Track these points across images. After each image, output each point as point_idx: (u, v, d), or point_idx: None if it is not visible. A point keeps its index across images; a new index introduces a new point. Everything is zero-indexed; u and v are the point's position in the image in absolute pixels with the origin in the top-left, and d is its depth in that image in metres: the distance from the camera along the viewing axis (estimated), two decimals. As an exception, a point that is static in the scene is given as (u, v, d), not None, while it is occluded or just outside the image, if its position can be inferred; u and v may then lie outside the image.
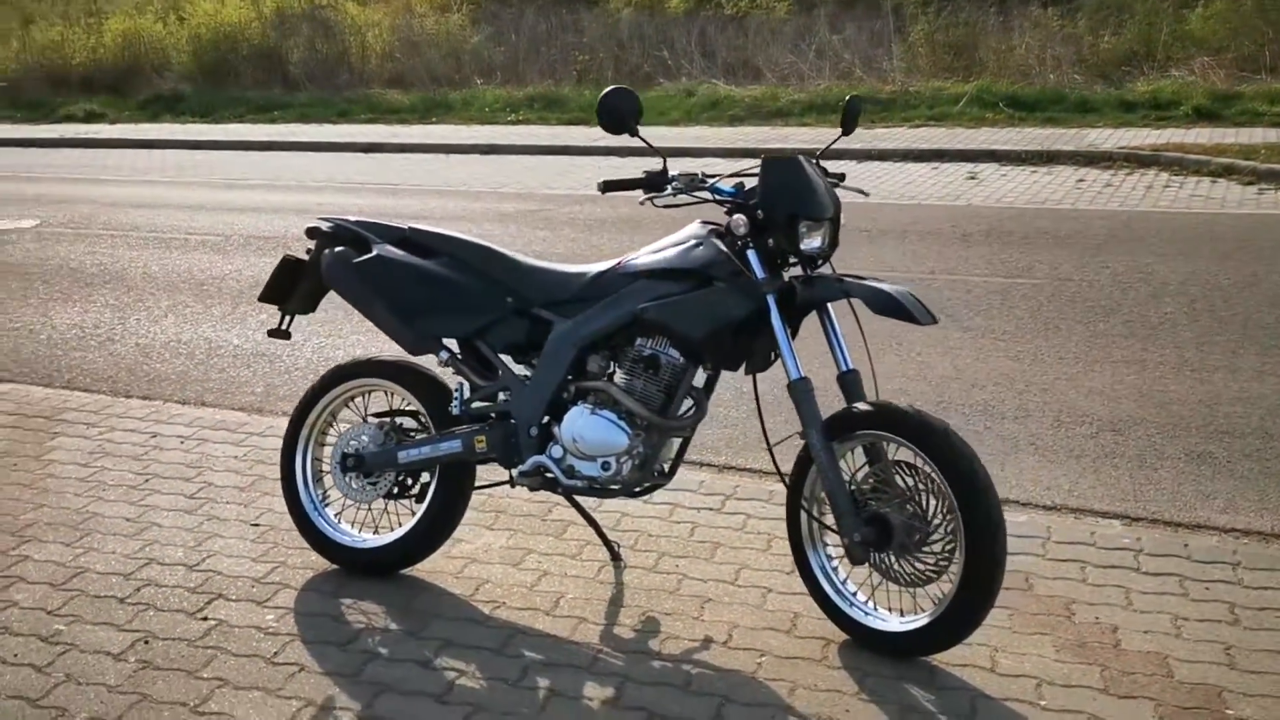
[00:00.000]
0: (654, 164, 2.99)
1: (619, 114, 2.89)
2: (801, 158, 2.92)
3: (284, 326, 3.44)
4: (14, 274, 7.83)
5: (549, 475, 3.08)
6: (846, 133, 3.19)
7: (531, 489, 3.17)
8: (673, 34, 18.08)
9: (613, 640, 2.98)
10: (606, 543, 3.40)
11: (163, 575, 3.31)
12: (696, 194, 2.99)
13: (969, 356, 5.40)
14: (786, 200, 2.85)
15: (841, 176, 3.16)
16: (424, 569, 3.35)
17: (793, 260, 2.93)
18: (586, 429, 3.00)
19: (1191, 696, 2.67)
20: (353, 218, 3.32)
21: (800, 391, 2.84)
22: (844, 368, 2.91)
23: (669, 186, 2.97)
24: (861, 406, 2.84)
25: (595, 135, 12.91)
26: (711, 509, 3.74)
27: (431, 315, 3.16)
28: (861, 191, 3.27)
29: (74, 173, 13.20)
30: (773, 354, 2.98)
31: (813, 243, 2.86)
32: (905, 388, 4.89)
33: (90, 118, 18.42)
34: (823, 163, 3.07)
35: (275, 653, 2.91)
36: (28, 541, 3.53)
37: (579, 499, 3.33)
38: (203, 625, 3.03)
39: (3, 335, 6.24)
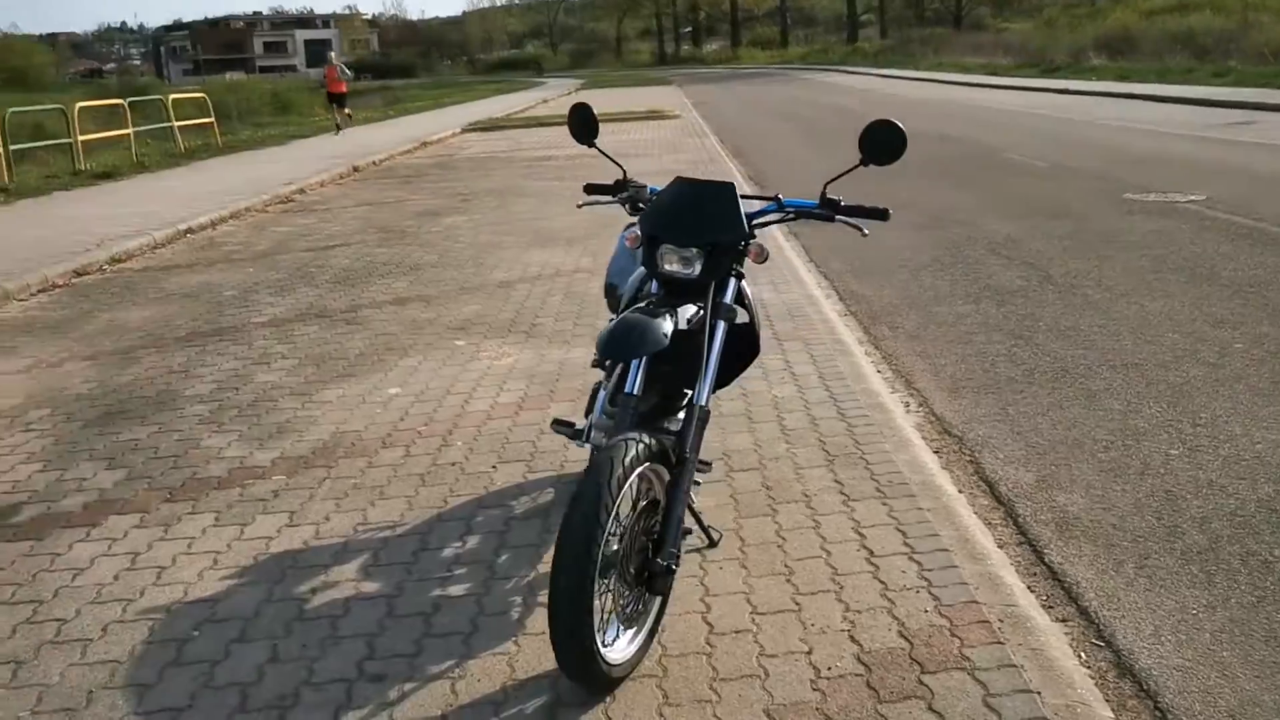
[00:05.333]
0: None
1: (582, 127, 3.30)
2: (705, 181, 2.99)
3: None
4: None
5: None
6: (868, 163, 2.95)
7: (569, 437, 3.47)
8: None
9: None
10: (704, 529, 3.53)
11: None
12: (642, 204, 3.25)
13: None
14: (651, 221, 3.00)
15: (885, 214, 3.02)
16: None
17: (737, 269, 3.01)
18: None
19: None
20: None
21: (620, 405, 2.90)
22: (694, 399, 2.87)
23: (622, 194, 3.30)
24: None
25: None
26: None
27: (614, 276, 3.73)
28: (860, 230, 3.07)
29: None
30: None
31: (666, 265, 2.94)
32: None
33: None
34: (831, 192, 3.03)
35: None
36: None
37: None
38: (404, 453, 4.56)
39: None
